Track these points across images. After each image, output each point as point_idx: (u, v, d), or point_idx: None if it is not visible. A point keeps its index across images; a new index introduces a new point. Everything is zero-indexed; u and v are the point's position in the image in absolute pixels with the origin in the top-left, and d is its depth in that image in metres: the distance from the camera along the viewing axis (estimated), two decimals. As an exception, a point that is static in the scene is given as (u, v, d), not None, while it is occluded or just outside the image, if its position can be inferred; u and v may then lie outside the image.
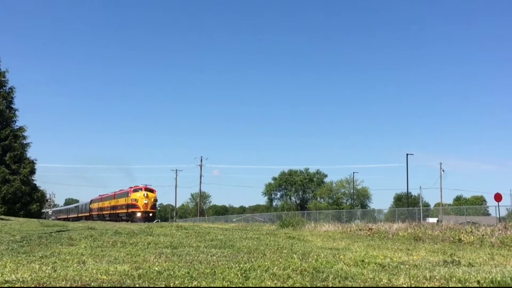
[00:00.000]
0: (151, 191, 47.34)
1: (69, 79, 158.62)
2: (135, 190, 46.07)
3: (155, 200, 47.23)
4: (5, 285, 4.29)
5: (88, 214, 62.91)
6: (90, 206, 63.62)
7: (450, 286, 4.44)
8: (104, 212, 55.05)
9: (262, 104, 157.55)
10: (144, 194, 45.14)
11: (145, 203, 44.64)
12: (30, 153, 41.19)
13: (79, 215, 68.92)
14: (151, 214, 45.17)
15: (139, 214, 43.20)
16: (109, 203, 53.51)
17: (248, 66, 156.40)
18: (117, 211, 48.96)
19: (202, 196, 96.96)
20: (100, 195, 61.63)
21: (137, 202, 44.56)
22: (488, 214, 55.11)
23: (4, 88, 38.81)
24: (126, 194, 47.71)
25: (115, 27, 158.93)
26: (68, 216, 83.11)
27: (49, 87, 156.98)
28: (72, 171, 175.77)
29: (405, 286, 4.44)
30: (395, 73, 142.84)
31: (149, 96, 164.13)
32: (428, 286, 4.43)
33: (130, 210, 44.75)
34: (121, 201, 48.31)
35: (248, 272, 5.03)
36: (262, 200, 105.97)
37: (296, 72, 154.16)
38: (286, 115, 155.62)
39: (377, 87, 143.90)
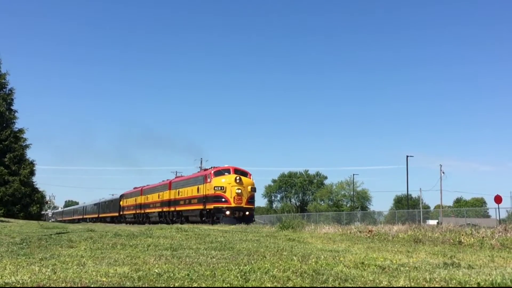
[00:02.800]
0: (245, 174, 29.13)
1: (68, 79, 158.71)
2: (219, 173, 28.63)
3: (253, 190, 28.91)
4: (5, 287, 4.29)
5: (116, 214, 49.02)
6: (121, 203, 48.43)
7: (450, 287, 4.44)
8: (149, 210, 39.17)
9: (261, 106, 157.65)
10: (235, 179, 27.51)
11: (237, 194, 27.20)
12: (30, 155, 41.29)
13: (102, 215, 55.26)
14: (247, 213, 27.61)
15: (228, 212, 26.70)
16: (160, 197, 36.70)
17: (247, 66, 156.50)
18: (182, 208, 32.28)
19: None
20: (136, 188, 45.96)
21: (223, 192, 27.31)
22: (488, 216, 55.16)
23: (4, 89, 38.87)
24: (200, 179, 30.12)
25: (115, 27, 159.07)
26: (73, 218, 71.09)
27: (49, 87, 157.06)
28: (72, 172, 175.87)
29: (405, 288, 4.44)
30: (395, 73, 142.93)
31: (149, 96, 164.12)
32: (428, 288, 4.43)
33: (211, 206, 27.66)
34: (189, 191, 31.41)
35: (248, 274, 5.03)
36: (262, 202, 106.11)
37: (296, 72, 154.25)
38: (286, 117, 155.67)
39: (377, 88, 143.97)
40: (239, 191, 27.43)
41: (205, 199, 28.56)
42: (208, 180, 28.61)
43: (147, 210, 39.54)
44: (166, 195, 35.49)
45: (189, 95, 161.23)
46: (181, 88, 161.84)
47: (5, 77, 38.87)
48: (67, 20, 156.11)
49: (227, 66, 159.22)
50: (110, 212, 52.25)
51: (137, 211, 42.64)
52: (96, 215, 58.28)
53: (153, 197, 38.83)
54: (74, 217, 72.58)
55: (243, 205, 27.54)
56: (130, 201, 45.61)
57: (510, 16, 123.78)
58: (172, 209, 33.96)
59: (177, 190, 33.69)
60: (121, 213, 48.08)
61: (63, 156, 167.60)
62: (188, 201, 31.34)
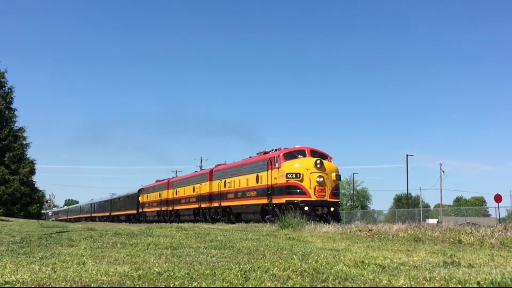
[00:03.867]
0: (324, 157, 22.10)
1: (70, 78, 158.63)
2: (290, 155, 21.64)
3: (338, 178, 21.93)
4: (5, 286, 4.29)
5: (134, 211, 42.67)
6: (140, 199, 41.89)
7: (450, 287, 4.44)
8: (180, 207, 32.79)
9: (261, 105, 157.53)
10: (315, 164, 20.52)
11: (318, 184, 20.33)
12: (30, 154, 41.28)
13: (115, 213, 48.99)
14: (332, 209, 20.64)
15: (306, 208, 19.73)
16: (197, 190, 30.03)
17: (247, 66, 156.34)
18: (231, 203, 25.50)
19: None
20: (159, 180, 39.68)
21: (300, 180, 20.40)
22: (488, 215, 55.22)
23: (3, 88, 38.85)
24: (261, 165, 22.98)
25: (116, 26, 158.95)
26: (79, 216, 65.74)
27: (49, 87, 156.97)
28: (72, 172, 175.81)
29: (405, 287, 4.44)
30: (395, 73, 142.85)
31: (148, 96, 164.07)
32: (428, 287, 4.43)
33: (281, 200, 20.77)
34: (243, 181, 24.37)
35: (248, 273, 5.03)
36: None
37: (296, 72, 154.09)
38: (286, 116, 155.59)
39: (376, 87, 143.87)
40: (321, 179, 20.22)
41: (270, 191, 21.38)
42: (275, 165, 21.25)
43: (178, 207, 33.13)
44: (206, 188, 28.80)
45: (188, 95, 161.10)
46: (181, 88, 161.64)
47: (4, 75, 38.86)
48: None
49: (225, 66, 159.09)
50: (126, 209, 45.19)
51: (163, 208, 36.03)
52: (108, 213, 51.72)
53: (185, 191, 32.42)
54: (80, 216, 67.23)
55: (327, 198, 20.42)
56: (153, 196, 38.88)
57: (509, 15, 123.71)
58: (215, 204, 27.47)
59: (222, 180, 26.97)
60: (140, 210, 41.48)
61: (74, 151, 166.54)
62: (242, 194, 24.15)
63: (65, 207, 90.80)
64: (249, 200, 23.77)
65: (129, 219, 44.47)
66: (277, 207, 20.20)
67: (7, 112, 38.47)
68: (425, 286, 4.46)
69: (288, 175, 20.61)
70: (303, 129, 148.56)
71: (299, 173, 20.47)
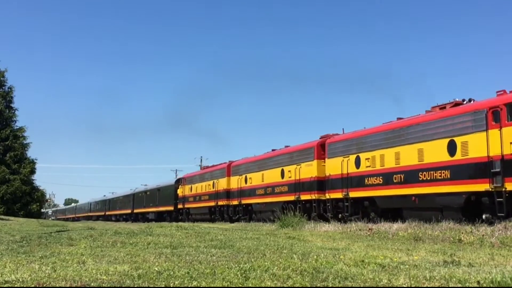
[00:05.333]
0: None
1: (68, 79, 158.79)
2: None
3: None
4: (5, 285, 4.29)
5: (171, 207, 34.51)
6: (180, 191, 33.37)
7: (450, 286, 4.44)
8: (254, 200, 24.67)
9: (260, 105, 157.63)
10: None
11: None
12: (30, 153, 41.32)
13: (139, 210, 40.87)
14: None
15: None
16: (293, 174, 21.11)
17: (246, 66, 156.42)
18: (376, 192, 16.44)
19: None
20: (207, 167, 32.58)
21: None
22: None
23: (3, 87, 38.85)
24: (454, 127, 13.74)
25: (116, 24, 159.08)
26: (89, 214, 57.87)
27: (50, 87, 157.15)
28: (72, 171, 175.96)
29: (405, 286, 4.44)
30: (396, 72, 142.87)
31: (148, 96, 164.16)
32: (428, 286, 4.43)
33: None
34: (413, 155, 14.90)
35: (248, 272, 5.03)
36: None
37: (295, 71, 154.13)
38: (285, 116, 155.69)
39: (377, 86, 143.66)
40: None
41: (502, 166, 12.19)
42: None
43: (250, 200, 25.08)
44: (312, 170, 19.67)
45: (188, 95, 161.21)
46: (180, 88, 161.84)
47: (4, 74, 38.85)
48: None
49: (224, 66, 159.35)
50: (157, 205, 36.75)
51: (220, 202, 28.13)
52: (129, 211, 43.04)
53: (265, 177, 23.48)
54: (90, 214, 59.71)
55: None
56: (201, 187, 30.44)
57: (508, 12, 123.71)
58: (336, 195, 18.15)
59: (355, 156, 17.60)
60: (181, 206, 32.93)
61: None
62: (416, 174, 14.87)
63: (73, 204, 79.96)
64: (438, 186, 14.22)
65: (160, 217, 36.00)
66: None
67: (7, 111, 38.48)
68: (425, 285, 4.46)
69: None
70: (302, 130, 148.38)
71: None
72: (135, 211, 42.43)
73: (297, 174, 20.96)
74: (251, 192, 25.39)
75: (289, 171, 21.66)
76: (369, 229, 12.67)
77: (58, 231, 12.49)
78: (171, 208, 34.92)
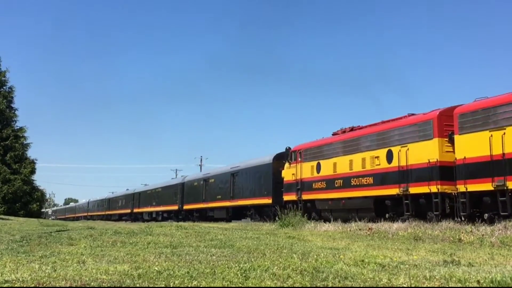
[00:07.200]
0: None
1: (69, 78, 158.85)
2: None
3: None
4: (5, 285, 4.29)
5: (267, 200, 22.42)
6: (284, 174, 21.18)
7: (450, 285, 4.44)
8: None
9: (260, 105, 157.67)
10: None
11: None
12: (30, 153, 41.34)
13: (189, 206, 30.92)
14: None
15: None
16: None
17: (247, 66, 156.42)
18: None
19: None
20: (336, 133, 19.07)
21: None
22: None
23: (4, 87, 38.87)
24: None
25: (115, 25, 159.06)
26: (101, 213, 51.37)
27: (49, 86, 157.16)
28: (72, 170, 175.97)
29: (405, 286, 4.44)
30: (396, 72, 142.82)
31: (147, 96, 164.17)
32: (428, 286, 4.43)
33: None
34: None
35: (248, 271, 5.03)
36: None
37: (295, 71, 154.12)
38: (285, 116, 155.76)
39: (378, 85, 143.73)
40: None
41: None
42: None
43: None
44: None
45: (188, 94, 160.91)
46: (181, 87, 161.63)
47: (5, 74, 38.87)
48: None
49: (224, 65, 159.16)
50: (240, 197, 25.24)
51: (412, 187, 15.03)
52: (176, 207, 32.69)
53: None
54: (102, 213, 53.43)
55: None
56: (350, 163, 17.49)
57: (508, 17, 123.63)
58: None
59: None
60: (288, 197, 20.80)
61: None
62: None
63: (83, 200, 73.40)
64: None
65: (237, 212, 25.32)
66: None
67: (8, 111, 38.50)
68: (425, 285, 4.46)
69: None
70: (302, 129, 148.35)
71: None
72: (185, 207, 32.59)
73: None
74: None
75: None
76: (369, 228, 12.67)
77: (58, 231, 12.49)
78: (266, 200, 22.78)
